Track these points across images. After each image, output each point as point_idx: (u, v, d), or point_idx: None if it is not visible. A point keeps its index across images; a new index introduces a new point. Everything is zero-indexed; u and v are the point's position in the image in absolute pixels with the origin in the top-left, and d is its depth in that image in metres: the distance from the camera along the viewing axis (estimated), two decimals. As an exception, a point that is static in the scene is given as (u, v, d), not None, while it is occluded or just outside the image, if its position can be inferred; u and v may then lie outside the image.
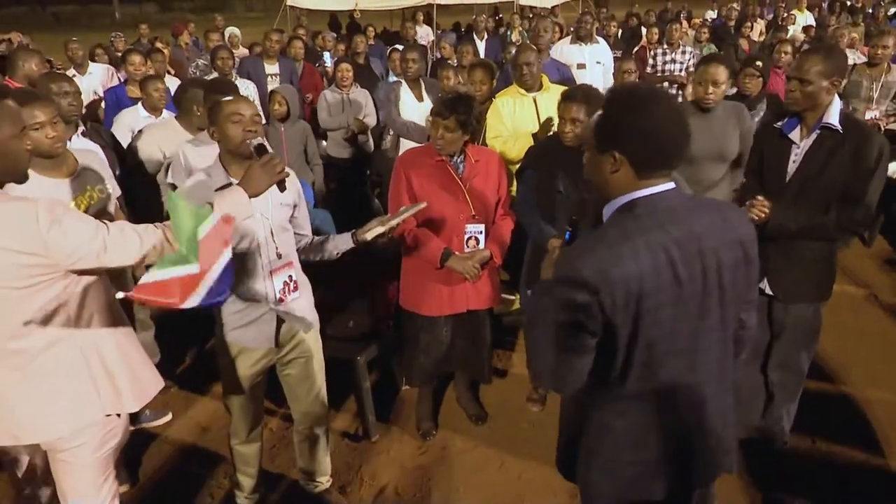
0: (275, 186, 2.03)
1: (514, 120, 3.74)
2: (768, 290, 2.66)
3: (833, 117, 2.42)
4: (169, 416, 3.33)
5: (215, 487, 2.88)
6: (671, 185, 1.55)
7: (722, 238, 1.54)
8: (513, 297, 3.94)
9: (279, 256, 2.32)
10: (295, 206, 2.41)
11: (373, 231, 2.41)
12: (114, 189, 2.77)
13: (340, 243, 2.50)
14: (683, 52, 6.41)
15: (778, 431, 2.88)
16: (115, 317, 1.94)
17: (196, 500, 2.82)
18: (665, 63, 6.44)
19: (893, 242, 5.18)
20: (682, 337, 1.55)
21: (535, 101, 3.75)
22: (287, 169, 2.40)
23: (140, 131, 3.42)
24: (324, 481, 2.72)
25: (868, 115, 4.74)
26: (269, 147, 2.05)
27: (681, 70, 6.33)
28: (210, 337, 3.94)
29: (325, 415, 2.65)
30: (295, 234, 2.43)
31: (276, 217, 2.30)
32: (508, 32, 9.14)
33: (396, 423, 3.28)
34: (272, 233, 2.29)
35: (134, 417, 3.20)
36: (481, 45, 7.90)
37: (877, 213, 3.74)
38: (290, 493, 2.79)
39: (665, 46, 6.52)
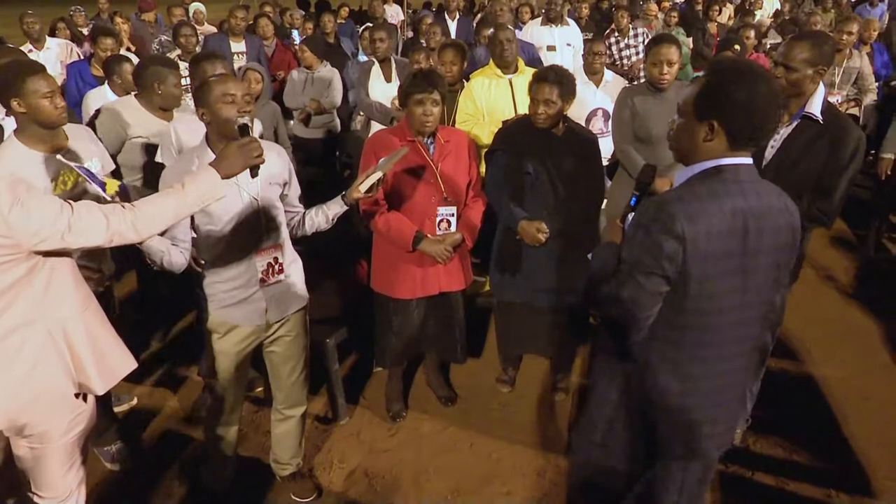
0: (247, 171, 1.95)
1: (489, 101, 3.72)
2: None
3: (815, 107, 2.42)
4: (134, 401, 3.29)
5: (181, 472, 2.85)
6: (750, 160, 1.61)
7: (784, 221, 1.62)
8: (483, 280, 3.96)
9: (267, 237, 2.29)
10: (286, 184, 2.37)
11: (367, 181, 2.34)
12: (105, 164, 2.70)
13: (332, 209, 2.46)
14: (636, 36, 6.36)
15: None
16: (83, 298, 1.90)
17: (162, 484, 2.79)
18: (621, 50, 6.37)
19: (851, 223, 5.33)
20: (726, 308, 1.63)
21: (510, 83, 3.73)
22: (276, 146, 2.37)
23: (98, 111, 3.31)
24: (294, 464, 2.72)
25: (829, 100, 4.84)
26: (252, 129, 1.98)
27: (637, 53, 6.23)
28: (174, 323, 3.92)
29: (304, 397, 2.64)
30: (287, 211, 2.40)
31: (266, 196, 2.26)
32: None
33: (366, 406, 3.28)
34: (261, 212, 2.25)
35: (118, 400, 3.16)
36: (452, 26, 7.80)
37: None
38: (260, 476, 2.78)
39: (616, 34, 6.46)
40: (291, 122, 5.22)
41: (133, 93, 3.29)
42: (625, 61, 6.31)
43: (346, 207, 2.46)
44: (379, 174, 2.34)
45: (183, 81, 3.38)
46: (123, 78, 3.78)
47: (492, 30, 4.34)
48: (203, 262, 2.29)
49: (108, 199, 2.02)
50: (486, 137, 3.57)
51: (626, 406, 1.77)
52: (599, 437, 1.84)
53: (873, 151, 5.03)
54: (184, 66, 4.17)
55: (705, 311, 1.61)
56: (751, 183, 1.59)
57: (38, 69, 2.34)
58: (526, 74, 3.70)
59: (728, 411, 1.79)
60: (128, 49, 6.25)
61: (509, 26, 4.16)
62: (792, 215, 1.64)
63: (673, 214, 1.50)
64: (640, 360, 1.69)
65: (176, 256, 2.17)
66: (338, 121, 5.32)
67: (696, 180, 1.59)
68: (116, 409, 3.19)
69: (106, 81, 3.91)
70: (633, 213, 1.74)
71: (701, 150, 1.59)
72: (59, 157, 2.15)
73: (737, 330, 1.67)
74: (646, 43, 6.01)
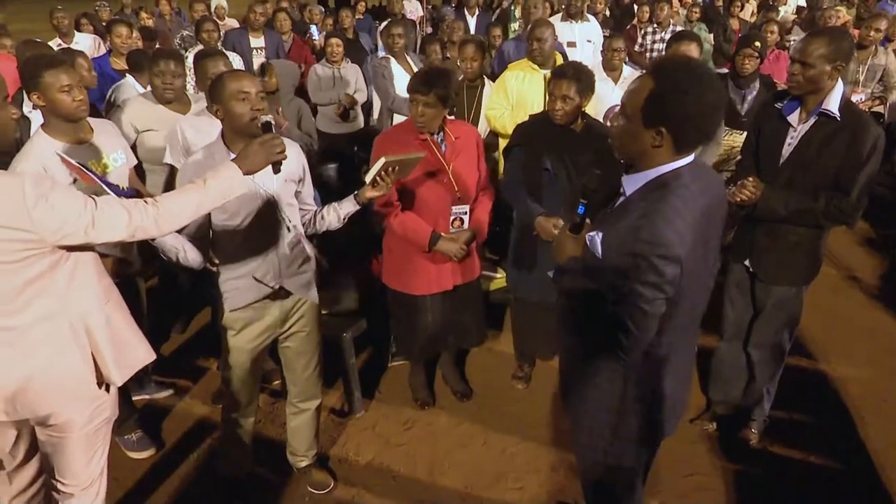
0: (269, 167, 1.98)
1: (520, 93, 3.72)
2: (752, 269, 2.70)
3: (833, 104, 2.38)
4: (170, 391, 3.36)
5: (199, 462, 2.91)
6: (693, 156, 1.63)
7: (722, 196, 1.67)
8: (499, 276, 3.96)
9: (288, 231, 2.31)
10: (300, 181, 2.39)
11: (370, 172, 2.32)
12: (129, 159, 2.75)
13: (344, 208, 2.47)
14: (672, 32, 6.38)
15: (758, 409, 2.94)
16: (104, 290, 1.93)
17: (180, 474, 2.84)
18: (654, 42, 6.41)
19: (875, 224, 5.25)
20: (698, 297, 1.67)
21: (545, 77, 3.73)
22: (292, 142, 2.38)
23: (118, 106, 3.36)
24: (310, 456, 2.75)
25: (854, 98, 4.76)
26: (273, 126, 2.01)
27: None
28: (194, 314, 3.97)
29: (319, 391, 2.67)
30: (300, 208, 2.42)
31: (282, 193, 2.28)
32: (512, 8, 9.00)
33: (382, 400, 3.31)
34: (276, 209, 2.27)
35: (140, 388, 3.22)
36: (472, 21, 7.80)
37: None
38: (276, 467, 2.82)
39: (654, 25, 6.49)
40: (313, 118, 5.25)
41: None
42: (654, 53, 6.31)
43: (358, 207, 2.46)
44: (381, 161, 2.31)
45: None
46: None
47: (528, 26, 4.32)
48: (217, 262, 2.32)
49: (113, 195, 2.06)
50: (511, 127, 3.55)
51: (627, 407, 1.78)
52: (604, 443, 1.85)
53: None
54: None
55: (692, 307, 1.68)
56: (700, 176, 1.60)
57: (58, 62, 2.37)
58: None
59: (690, 387, 1.94)
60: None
61: (550, 22, 4.10)
62: (722, 184, 1.73)
63: (671, 241, 1.48)
64: (638, 362, 1.70)
65: (192, 253, 2.20)
66: (362, 116, 5.35)
67: (660, 191, 1.56)
68: (156, 397, 3.28)
69: (129, 74, 3.95)
70: (595, 231, 1.66)
71: (649, 155, 1.59)
72: (61, 154, 2.16)
73: (700, 311, 1.76)
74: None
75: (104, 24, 7.07)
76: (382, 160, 2.31)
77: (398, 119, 4.44)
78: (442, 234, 2.80)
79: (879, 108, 4.96)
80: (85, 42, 6.11)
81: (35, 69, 2.33)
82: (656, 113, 1.53)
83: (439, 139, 2.78)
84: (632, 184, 1.64)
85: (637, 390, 1.74)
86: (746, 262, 2.71)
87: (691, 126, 1.53)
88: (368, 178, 2.35)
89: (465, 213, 2.84)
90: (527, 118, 3.44)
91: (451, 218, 2.82)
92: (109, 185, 2.12)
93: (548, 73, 3.72)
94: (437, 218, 2.80)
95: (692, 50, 3.11)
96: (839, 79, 2.40)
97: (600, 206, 1.78)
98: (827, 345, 3.67)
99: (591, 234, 1.66)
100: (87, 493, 2.03)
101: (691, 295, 1.62)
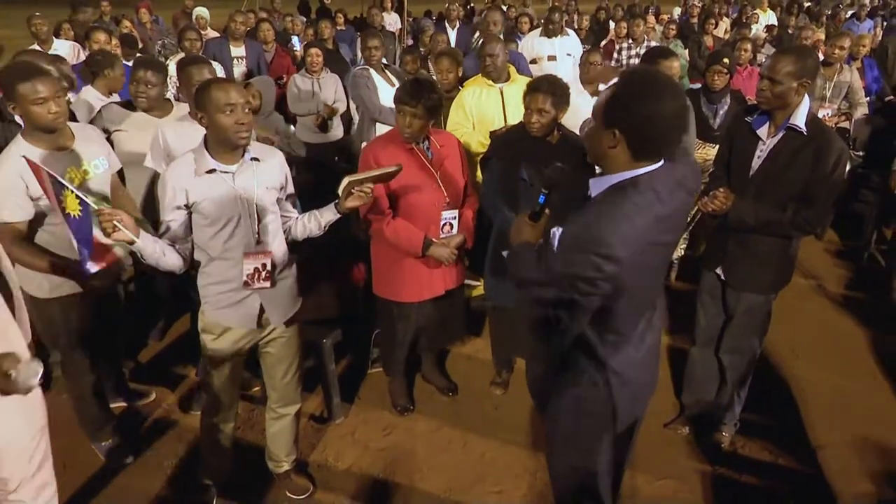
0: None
1: (479, 110, 3.79)
2: (723, 277, 2.78)
3: (799, 119, 2.47)
4: (153, 396, 3.35)
5: (177, 469, 2.90)
6: (661, 162, 1.66)
7: (687, 197, 1.72)
8: (477, 283, 4.01)
9: (257, 242, 2.30)
10: (282, 188, 2.40)
11: (341, 186, 2.35)
12: (112, 164, 2.73)
13: (325, 217, 2.47)
14: (647, 48, 6.54)
15: (729, 413, 3.01)
16: None
17: (158, 481, 2.83)
18: (630, 58, 6.56)
19: (843, 235, 5.41)
20: (651, 290, 1.74)
21: (501, 91, 3.80)
22: (277, 151, 2.41)
23: (99, 112, 3.35)
24: (289, 462, 2.76)
25: (821, 114, 4.92)
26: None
27: None
28: (172, 321, 3.96)
29: (298, 396, 2.68)
30: (281, 215, 2.42)
31: (262, 200, 2.28)
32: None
33: (361, 405, 3.33)
34: (256, 217, 2.27)
35: (117, 395, 3.20)
36: (452, 34, 7.89)
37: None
38: (256, 473, 2.82)
39: (630, 41, 6.65)
40: (292, 127, 5.28)
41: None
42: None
43: (338, 215, 2.47)
44: (345, 181, 2.34)
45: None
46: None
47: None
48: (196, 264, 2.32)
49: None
50: (476, 146, 3.63)
51: (584, 403, 1.82)
52: (567, 443, 1.89)
53: (862, 168, 5.11)
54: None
55: (641, 301, 1.75)
56: (663, 183, 1.64)
57: (34, 74, 2.31)
58: (518, 83, 3.74)
59: (656, 370, 1.96)
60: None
61: (500, 38, 4.21)
62: (695, 177, 1.75)
63: (614, 242, 1.53)
64: (588, 355, 1.76)
65: (171, 258, 2.19)
66: (342, 127, 5.39)
67: (617, 195, 1.61)
68: (138, 403, 3.27)
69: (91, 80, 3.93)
70: (557, 227, 1.72)
71: (608, 157, 1.64)
72: (30, 159, 2.09)
73: (655, 297, 1.83)
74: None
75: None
76: (346, 180, 2.35)
77: (381, 128, 4.48)
78: (433, 239, 2.85)
79: (845, 124, 5.13)
80: (63, 48, 6.07)
81: (10, 80, 2.30)
82: (612, 114, 1.59)
83: (425, 147, 2.84)
84: (597, 186, 1.70)
85: (591, 381, 1.80)
86: (718, 271, 2.80)
87: (642, 131, 1.57)
88: (340, 192, 2.38)
89: (455, 217, 2.91)
90: (488, 133, 3.52)
91: (442, 223, 2.88)
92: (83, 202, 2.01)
93: (503, 86, 3.81)
94: (427, 224, 2.85)
95: (674, 67, 3.23)
96: (805, 95, 2.50)
97: (572, 209, 1.84)
98: (796, 350, 3.77)
99: (554, 229, 1.72)
100: None
101: (636, 292, 1.68)
